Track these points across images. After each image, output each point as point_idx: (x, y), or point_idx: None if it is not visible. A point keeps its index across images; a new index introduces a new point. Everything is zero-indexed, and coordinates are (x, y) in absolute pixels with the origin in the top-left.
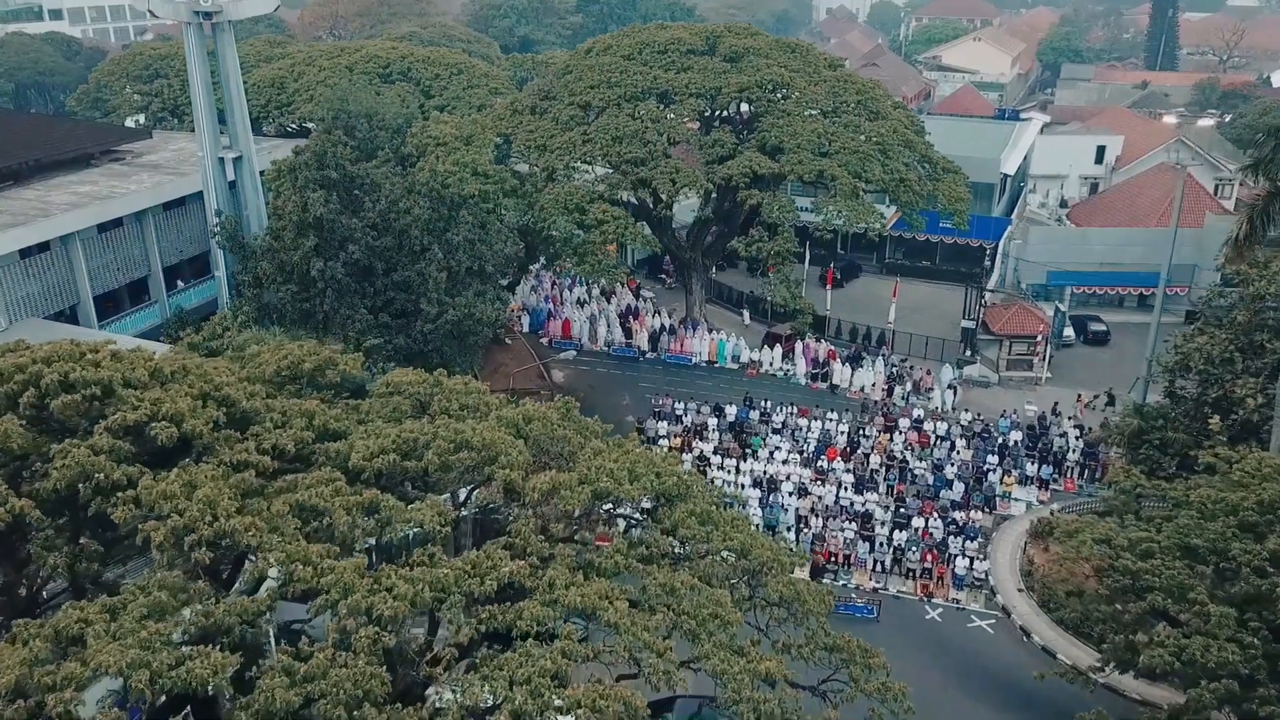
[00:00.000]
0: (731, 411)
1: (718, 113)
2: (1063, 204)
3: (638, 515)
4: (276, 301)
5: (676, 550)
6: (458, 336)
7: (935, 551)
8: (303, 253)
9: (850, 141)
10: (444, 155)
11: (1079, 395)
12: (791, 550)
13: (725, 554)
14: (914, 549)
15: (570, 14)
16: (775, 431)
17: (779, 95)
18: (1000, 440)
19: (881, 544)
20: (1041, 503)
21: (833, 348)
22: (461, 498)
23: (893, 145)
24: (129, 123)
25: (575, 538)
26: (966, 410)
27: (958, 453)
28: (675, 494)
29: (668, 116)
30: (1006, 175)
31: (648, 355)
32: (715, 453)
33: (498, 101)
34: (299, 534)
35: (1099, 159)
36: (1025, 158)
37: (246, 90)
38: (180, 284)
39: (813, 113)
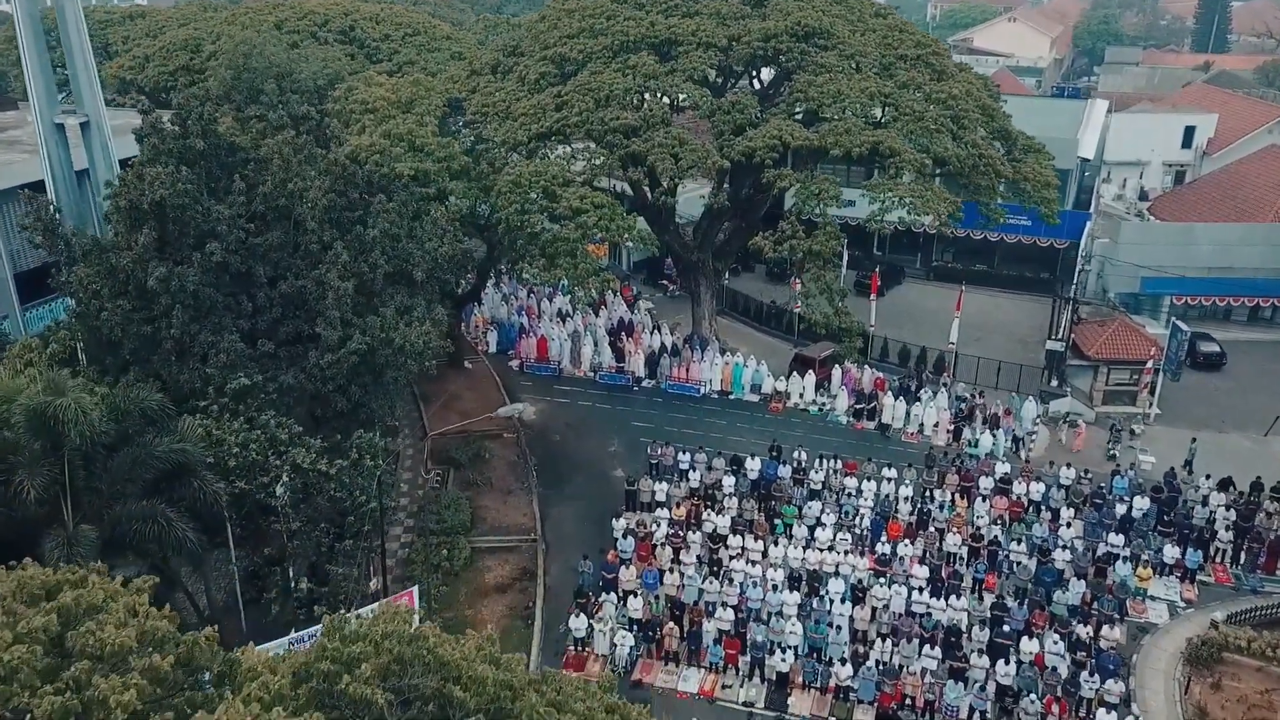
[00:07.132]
0: (754, 466)
1: (731, 82)
2: (1142, 195)
3: None
4: (106, 324)
5: None
6: (372, 371)
7: (1063, 699)
8: (137, 253)
9: (914, 106)
10: (373, 125)
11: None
12: None
13: None
14: (1031, 695)
15: None
16: (813, 494)
17: (815, 46)
18: (1122, 510)
19: (979, 681)
20: (1188, 602)
21: (880, 375)
22: None
23: (968, 111)
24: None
25: None
26: (1068, 465)
27: (1067, 526)
28: None
29: (668, 74)
30: (1084, 160)
31: (644, 383)
32: (734, 530)
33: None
34: None
35: (1186, 142)
36: (1099, 141)
37: (154, 56)
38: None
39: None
